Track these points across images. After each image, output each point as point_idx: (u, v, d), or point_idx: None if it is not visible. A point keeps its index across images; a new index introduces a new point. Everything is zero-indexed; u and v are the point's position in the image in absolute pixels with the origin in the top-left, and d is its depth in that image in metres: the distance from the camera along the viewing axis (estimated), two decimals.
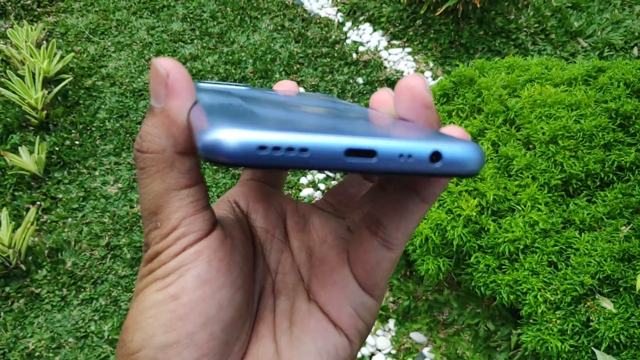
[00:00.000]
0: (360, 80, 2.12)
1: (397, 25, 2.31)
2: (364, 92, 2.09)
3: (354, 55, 2.22)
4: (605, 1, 2.36)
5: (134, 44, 2.27)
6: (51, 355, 1.42)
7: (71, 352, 1.43)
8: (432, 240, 1.25)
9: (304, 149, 0.16)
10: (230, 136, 0.16)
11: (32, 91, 1.87)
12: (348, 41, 2.29)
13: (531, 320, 1.18)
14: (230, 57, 2.18)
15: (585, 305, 1.13)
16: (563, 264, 1.18)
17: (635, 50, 2.13)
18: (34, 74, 1.91)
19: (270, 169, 0.17)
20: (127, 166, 1.85)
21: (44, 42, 2.18)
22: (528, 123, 1.37)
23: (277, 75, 2.12)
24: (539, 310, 1.14)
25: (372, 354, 1.43)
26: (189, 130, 0.20)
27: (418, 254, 1.30)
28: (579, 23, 2.23)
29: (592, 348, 1.09)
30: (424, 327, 1.44)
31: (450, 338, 1.42)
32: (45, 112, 1.91)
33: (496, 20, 2.23)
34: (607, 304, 1.11)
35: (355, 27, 2.35)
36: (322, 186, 1.80)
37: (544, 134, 1.32)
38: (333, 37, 2.29)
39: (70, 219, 1.71)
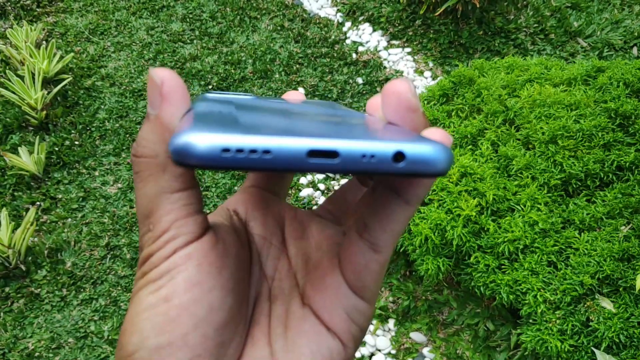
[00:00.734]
0: (359, 80, 2.12)
1: (397, 25, 2.31)
2: (364, 92, 2.09)
3: (354, 56, 2.22)
4: (604, 1, 2.36)
5: (134, 44, 2.27)
6: (51, 355, 1.42)
7: (71, 353, 1.43)
8: (432, 240, 1.25)
9: (266, 151, 0.17)
10: (196, 140, 0.17)
11: (32, 91, 1.87)
12: (348, 41, 2.29)
13: (531, 320, 1.18)
14: (230, 57, 2.18)
15: (585, 305, 1.13)
16: (563, 263, 1.18)
17: (634, 50, 2.13)
18: (33, 74, 1.91)
19: (236, 170, 0.17)
20: (127, 166, 1.85)
21: (44, 42, 2.18)
22: (527, 123, 1.37)
23: (277, 76, 2.13)
24: (539, 310, 1.14)
25: (372, 354, 1.43)
26: None
27: (418, 254, 1.30)
28: (579, 23, 2.23)
29: (592, 348, 1.09)
30: (424, 327, 1.45)
31: (450, 338, 1.42)
32: (44, 112, 1.91)
33: (495, 20, 2.24)
34: (607, 304, 1.11)
35: (354, 27, 2.35)
36: (321, 186, 1.80)
37: (543, 133, 1.32)
38: (333, 37, 2.29)
39: (70, 219, 1.71)
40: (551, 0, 2.33)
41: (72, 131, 1.94)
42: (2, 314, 1.50)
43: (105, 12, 2.42)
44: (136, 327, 0.21)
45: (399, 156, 0.18)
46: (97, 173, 1.83)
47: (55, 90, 1.94)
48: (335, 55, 2.21)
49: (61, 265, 1.60)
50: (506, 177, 1.31)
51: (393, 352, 1.43)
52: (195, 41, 2.27)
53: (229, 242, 0.24)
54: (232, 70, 2.14)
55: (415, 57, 2.22)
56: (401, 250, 1.43)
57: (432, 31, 2.25)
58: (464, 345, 1.40)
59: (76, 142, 1.91)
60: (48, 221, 1.70)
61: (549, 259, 1.19)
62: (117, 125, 1.97)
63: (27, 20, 2.36)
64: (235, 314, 0.23)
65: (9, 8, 2.40)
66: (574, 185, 1.28)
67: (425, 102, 1.57)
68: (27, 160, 1.75)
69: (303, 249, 0.27)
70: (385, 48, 2.25)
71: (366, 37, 2.30)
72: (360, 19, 2.38)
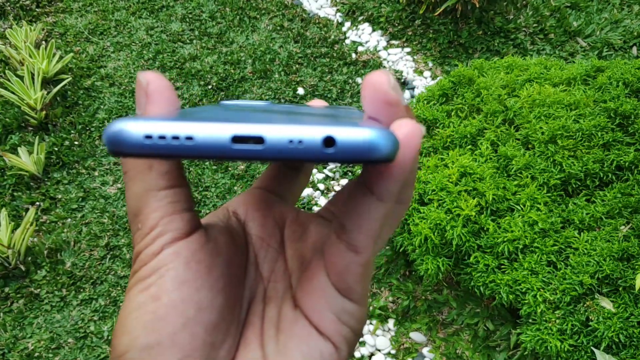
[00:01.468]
0: (359, 80, 2.12)
1: (396, 25, 2.31)
2: None
3: (353, 55, 2.22)
4: (604, 1, 2.36)
5: (133, 44, 2.27)
6: (50, 355, 1.42)
7: (70, 353, 1.43)
8: (432, 240, 1.25)
9: (189, 137, 0.17)
10: (120, 128, 0.17)
11: (31, 91, 1.87)
12: (347, 41, 2.29)
13: (530, 320, 1.18)
14: (230, 57, 2.18)
15: (585, 305, 1.13)
16: (562, 263, 1.18)
17: (634, 50, 2.13)
18: (33, 75, 1.91)
19: (161, 158, 0.17)
20: None
21: (43, 42, 2.18)
22: (527, 123, 1.37)
23: (276, 75, 2.13)
24: (538, 310, 1.14)
25: (372, 354, 1.43)
26: None
27: (417, 254, 1.30)
28: (578, 23, 2.23)
29: (592, 348, 1.09)
30: (424, 327, 1.45)
31: (449, 338, 1.42)
32: (44, 112, 1.91)
33: (495, 20, 2.24)
34: (607, 304, 1.11)
35: (354, 27, 2.35)
36: (321, 186, 1.80)
37: (543, 133, 1.32)
38: (332, 37, 2.29)
39: (69, 220, 1.71)
40: (550, 0, 2.33)
41: (72, 131, 1.94)
42: (1, 314, 1.50)
43: (104, 12, 2.42)
44: (126, 327, 0.21)
45: (329, 141, 0.17)
46: (96, 173, 1.83)
47: (55, 90, 1.94)
48: (334, 55, 2.21)
49: (61, 265, 1.60)
50: (506, 177, 1.31)
51: (393, 352, 1.43)
52: (194, 41, 2.27)
53: (221, 241, 0.24)
54: (232, 70, 2.14)
55: (415, 57, 2.22)
56: (401, 250, 1.43)
57: (431, 31, 2.25)
58: (463, 345, 1.40)
59: (76, 142, 1.91)
60: (48, 221, 1.70)
61: (549, 259, 1.19)
62: None
63: (26, 21, 2.36)
64: (226, 315, 0.23)
65: (8, 8, 2.40)
66: (574, 185, 1.28)
67: (425, 102, 1.57)
68: (26, 160, 1.75)
69: (300, 250, 0.27)
70: (385, 48, 2.25)
71: (366, 37, 2.30)
72: (360, 18, 2.38)
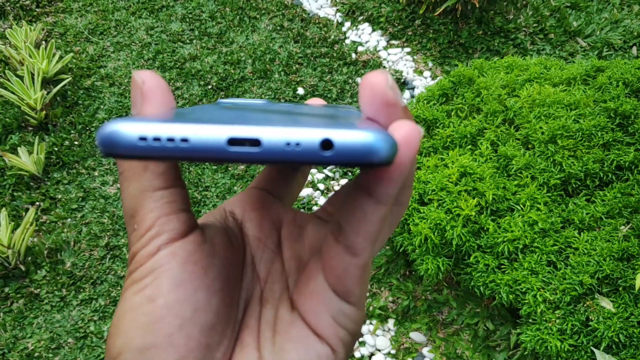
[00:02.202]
0: (359, 80, 2.12)
1: (396, 25, 2.31)
2: None
3: (353, 55, 2.22)
4: (604, 1, 2.36)
5: (133, 44, 2.27)
6: (50, 355, 1.42)
7: (70, 353, 1.43)
8: (432, 240, 1.25)
9: (184, 139, 0.16)
10: (114, 129, 0.16)
11: (31, 91, 1.87)
12: (347, 41, 2.29)
13: (530, 320, 1.18)
14: (230, 57, 2.18)
15: (585, 305, 1.13)
16: (562, 263, 1.18)
17: (634, 50, 2.13)
18: (32, 75, 1.91)
19: (156, 160, 0.17)
20: None
21: (43, 42, 2.18)
22: (527, 123, 1.37)
23: (276, 75, 2.12)
24: (538, 310, 1.14)
25: (372, 354, 1.43)
26: None
27: (417, 254, 1.30)
28: (578, 23, 2.23)
29: (592, 348, 1.09)
30: (424, 327, 1.45)
31: (449, 338, 1.42)
32: (44, 112, 1.91)
33: (495, 20, 2.24)
34: (607, 304, 1.11)
35: (354, 27, 2.35)
36: (321, 186, 1.80)
37: (543, 133, 1.32)
38: (332, 37, 2.29)
39: (69, 219, 1.71)
40: (550, 0, 2.33)
41: (72, 131, 1.94)
42: (1, 314, 1.50)
43: (104, 12, 2.42)
44: (121, 328, 0.21)
45: (326, 144, 0.16)
46: (96, 173, 1.83)
47: (55, 90, 1.94)
48: (334, 55, 2.21)
49: (61, 265, 1.60)
50: (506, 177, 1.31)
51: (393, 352, 1.43)
52: (194, 41, 2.27)
53: (218, 242, 0.24)
54: (232, 70, 2.14)
55: (415, 57, 2.22)
56: (401, 250, 1.43)
57: (431, 31, 2.25)
58: (463, 345, 1.40)
59: (76, 142, 1.91)
60: (47, 221, 1.70)
61: (549, 259, 1.19)
62: None
63: (26, 21, 2.36)
64: (222, 316, 0.23)
65: (8, 8, 2.40)
66: (574, 185, 1.28)
67: (425, 102, 1.57)
68: (26, 160, 1.75)
69: (297, 251, 0.27)
70: (385, 48, 2.25)
71: (365, 37, 2.30)
72: (360, 18, 2.38)
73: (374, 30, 2.33)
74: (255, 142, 0.17)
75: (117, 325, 0.21)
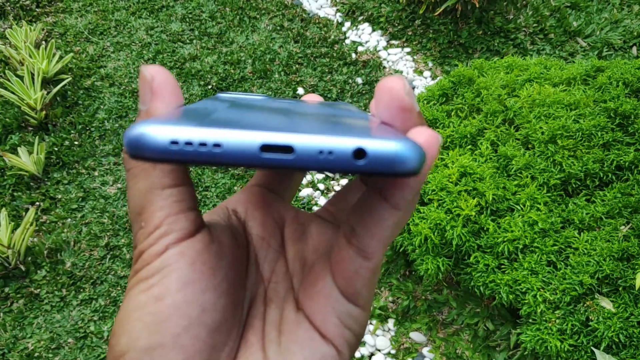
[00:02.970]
0: (359, 80, 2.12)
1: (396, 25, 2.31)
2: (363, 92, 2.09)
3: (353, 55, 2.22)
4: (604, 1, 2.36)
5: (133, 44, 2.27)
6: (50, 355, 1.42)
7: (70, 353, 1.43)
8: (432, 240, 1.25)
9: (217, 144, 0.16)
10: (143, 131, 0.16)
11: (31, 91, 1.87)
12: (347, 41, 2.29)
13: (530, 320, 1.18)
14: (230, 57, 2.18)
15: (585, 305, 1.13)
16: (562, 263, 1.18)
17: (634, 50, 2.13)
18: (32, 75, 1.91)
19: (187, 164, 0.17)
20: None
21: (43, 42, 2.18)
22: (527, 123, 1.37)
23: (276, 75, 2.13)
24: (538, 310, 1.14)
25: (372, 354, 1.43)
26: None
27: (417, 254, 1.30)
28: (578, 23, 2.23)
29: (592, 347, 1.09)
30: (424, 327, 1.45)
31: (449, 338, 1.42)
32: (44, 112, 1.91)
33: (495, 20, 2.24)
34: (607, 304, 1.11)
35: (354, 27, 2.35)
36: (321, 186, 1.80)
37: (543, 133, 1.32)
38: (332, 37, 2.29)
39: (69, 220, 1.71)
40: (550, 0, 2.33)
41: (72, 131, 1.94)
42: (1, 314, 1.50)
43: (104, 12, 2.42)
44: (126, 327, 0.21)
45: (359, 153, 0.16)
46: (96, 173, 1.83)
47: (55, 90, 1.94)
48: (334, 55, 2.21)
49: (61, 265, 1.60)
50: (506, 177, 1.31)
51: (393, 352, 1.43)
52: (194, 41, 2.27)
53: (224, 242, 0.24)
54: (232, 70, 2.14)
55: (415, 57, 2.22)
56: (401, 250, 1.43)
57: (431, 31, 2.25)
58: (463, 345, 1.40)
59: (76, 142, 1.91)
60: (48, 221, 1.70)
61: (549, 259, 1.19)
62: (117, 125, 1.97)
63: (26, 21, 2.36)
64: (228, 317, 0.23)
65: (8, 8, 2.40)
66: (574, 185, 1.28)
67: (425, 102, 1.57)
68: (26, 160, 1.75)
69: (301, 251, 0.27)
70: (385, 48, 2.25)
71: (365, 37, 2.30)
72: (360, 18, 2.38)
73: (374, 30, 2.33)
74: (289, 149, 0.16)
75: (122, 324, 0.21)
